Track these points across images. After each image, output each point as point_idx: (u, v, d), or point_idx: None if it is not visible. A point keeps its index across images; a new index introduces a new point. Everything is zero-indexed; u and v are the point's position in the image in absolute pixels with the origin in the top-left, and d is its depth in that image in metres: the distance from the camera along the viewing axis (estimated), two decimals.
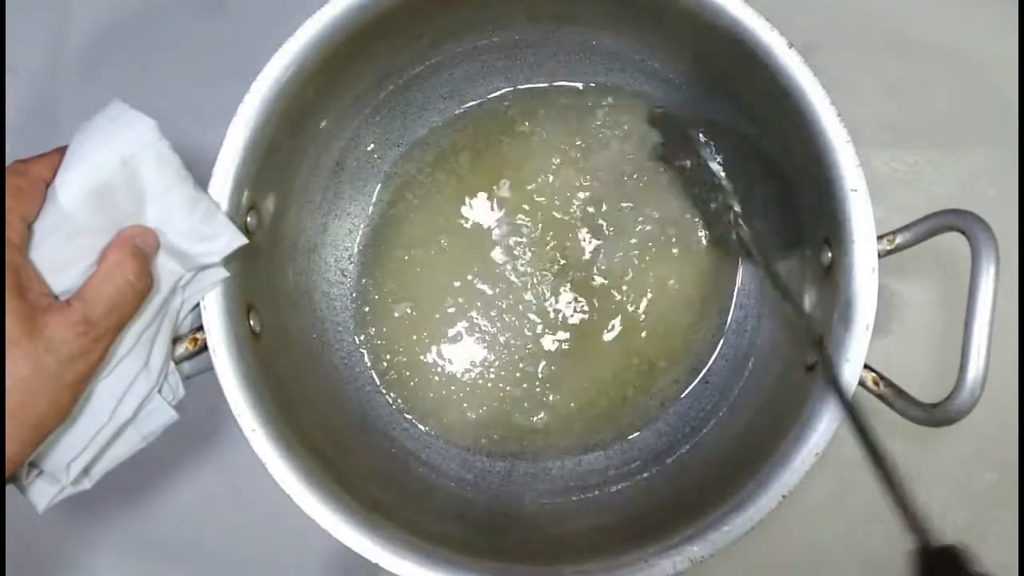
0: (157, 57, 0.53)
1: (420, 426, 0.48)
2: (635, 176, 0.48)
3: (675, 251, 0.48)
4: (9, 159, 0.33)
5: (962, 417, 0.34)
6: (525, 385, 0.48)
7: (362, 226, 0.49)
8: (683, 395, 0.48)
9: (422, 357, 0.48)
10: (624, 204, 0.48)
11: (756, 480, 0.36)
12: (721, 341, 0.48)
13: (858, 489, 0.50)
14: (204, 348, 0.36)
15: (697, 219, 0.48)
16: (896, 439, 0.50)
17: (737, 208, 0.46)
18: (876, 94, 0.52)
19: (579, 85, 0.49)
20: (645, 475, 0.46)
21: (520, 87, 0.49)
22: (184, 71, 0.53)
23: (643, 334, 0.48)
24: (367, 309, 0.49)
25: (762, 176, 0.45)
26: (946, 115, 0.52)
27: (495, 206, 0.49)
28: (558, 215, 0.48)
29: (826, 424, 0.35)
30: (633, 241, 0.48)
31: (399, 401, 0.48)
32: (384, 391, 0.48)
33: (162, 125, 0.34)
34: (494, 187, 0.49)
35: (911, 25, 0.52)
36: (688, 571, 0.35)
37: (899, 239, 0.36)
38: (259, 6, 0.53)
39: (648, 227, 0.48)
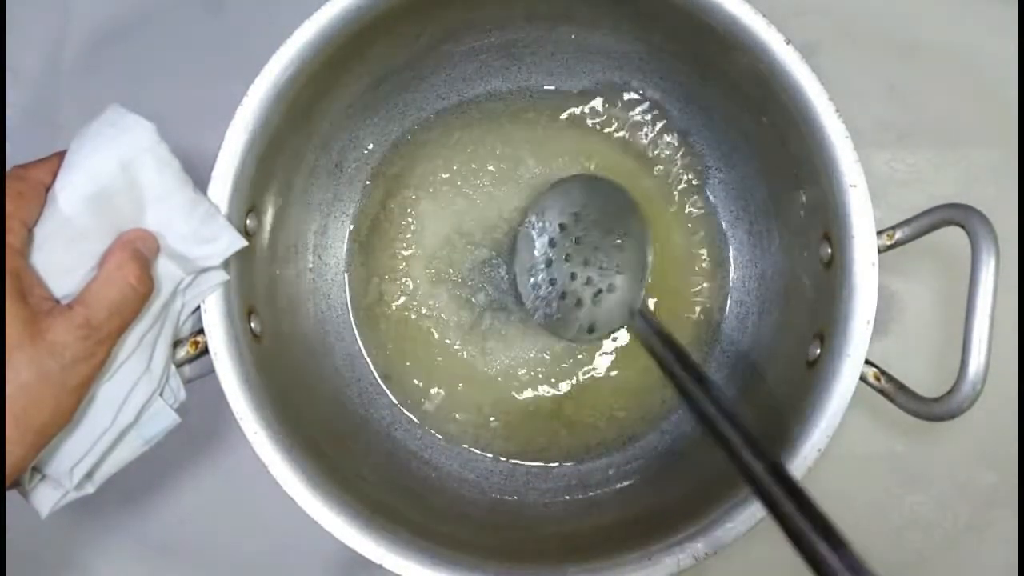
0: (156, 58, 0.53)
1: (422, 427, 0.48)
2: (636, 173, 0.48)
3: (675, 249, 0.48)
4: (9, 160, 0.33)
5: (964, 411, 0.34)
6: (529, 385, 0.48)
7: (362, 227, 0.49)
8: None
9: (423, 358, 0.48)
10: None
11: None
12: (721, 338, 0.48)
13: (860, 486, 0.50)
14: (205, 351, 0.36)
15: (689, 219, 0.48)
16: (896, 438, 0.50)
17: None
18: (876, 94, 0.52)
19: (577, 84, 0.49)
20: (648, 473, 0.46)
21: (518, 87, 0.49)
22: (183, 72, 0.53)
23: None
24: (367, 310, 0.49)
25: (761, 172, 0.45)
26: (946, 115, 0.52)
27: (496, 206, 0.49)
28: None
29: (828, 421, 0.35)
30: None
31: (400, 402, 0.48)
32: (385, 392, 0.48)
33: (161, 127, 0.34)
34: (494, 187, 0.49)
35: (911, 25, 0.52)
36: (691, 568, 0.35)
37: (899, 234, 0.36)
38: (258, 7, 0.53)
39: (649, 225, 0.48)
